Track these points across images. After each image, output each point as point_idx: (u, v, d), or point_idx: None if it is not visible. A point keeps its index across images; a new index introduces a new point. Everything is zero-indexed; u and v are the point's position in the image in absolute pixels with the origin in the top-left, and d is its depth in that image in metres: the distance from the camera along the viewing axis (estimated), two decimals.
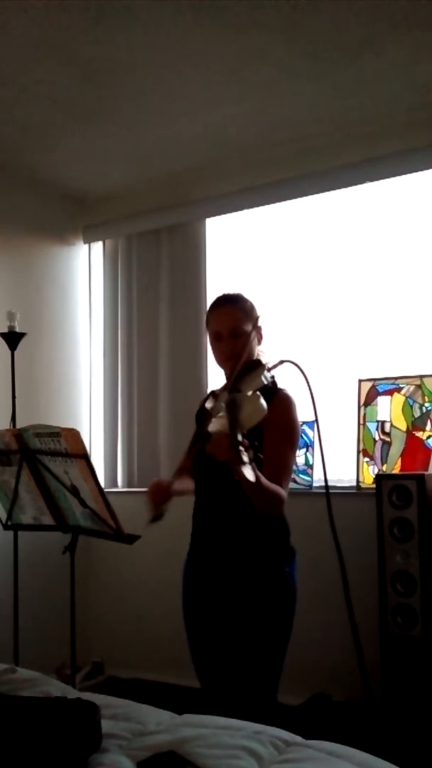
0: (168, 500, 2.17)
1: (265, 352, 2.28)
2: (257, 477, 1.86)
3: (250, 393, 1.96)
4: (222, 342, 2.24)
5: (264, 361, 2.13)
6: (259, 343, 2.28)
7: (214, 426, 1.94)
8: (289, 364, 2.08)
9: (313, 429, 3.56)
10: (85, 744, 1.50)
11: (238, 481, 1.85)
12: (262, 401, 1.94)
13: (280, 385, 2.21)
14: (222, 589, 2.20)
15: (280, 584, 2.18)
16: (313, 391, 2.02)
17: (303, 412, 2.23)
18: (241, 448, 1.77)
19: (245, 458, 1.77)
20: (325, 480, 2.09)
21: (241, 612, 2.16)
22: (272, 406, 2.07)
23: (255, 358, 2.21)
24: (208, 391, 3.86)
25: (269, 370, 2.10)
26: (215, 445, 1.88)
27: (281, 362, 2.10)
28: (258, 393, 1.96)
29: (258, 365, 2.10)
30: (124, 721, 1.72)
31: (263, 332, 2.29)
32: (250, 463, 1.79)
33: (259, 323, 2.27)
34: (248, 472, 1.77)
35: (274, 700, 2.20)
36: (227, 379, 2.24)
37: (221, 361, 2.27)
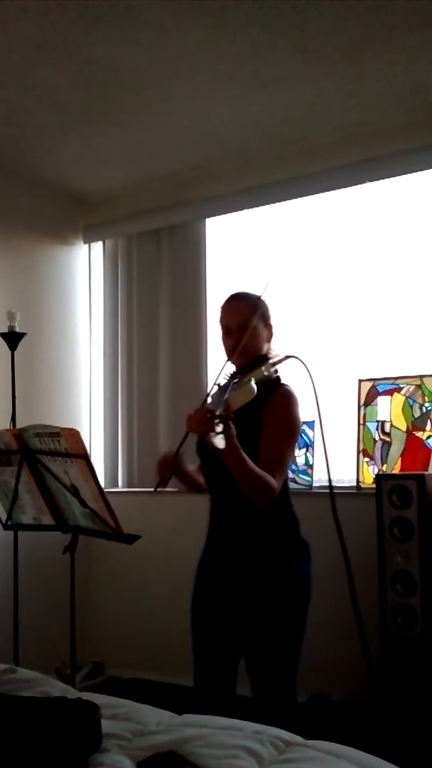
0: (174, 468, 2.20)
1: (275, 350, 2.29)
2: (240, 456, 1.94)
3: (246, 380, 2.01)
4: (231, 335, 2.25)
5: (270, 356, 2.17)
6: (269, 341, 2.29)
7: None
8: (294, 360, 2.12)
9: (313, 429, 3.56)
10: (85, 744, 1.50)
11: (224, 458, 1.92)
12: (253, 385, 2.00)
13: (283, 382, 2.23)
14: (232, 588, 2.20)
15: (290, 582, 2.18)
16: (316, 387, 2.05)
17: (304, 411, 2.24)
18: (217, 420, 1.84)
19: (218, 429, 1.83)
20: (329, 480, 2.10)
21: (251, 612, 2.16)
22: (273, 400, 2.12)
23: (263, 353, 2.23)
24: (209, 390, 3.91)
25: (274, 365, 2.14)
26: (192, 417, 1.95)
27: (286, 357, 2.16)
28: (252, 379, 2.01)
29: (263, 359, 2.15)
30: (124, 721, 1.72)
31: (273, 331, 2.31)
32: (225, 434, 1.86)
33: (270, 322, 2.30)
34: (218, 441, 1.84)
35: (293, 698, 2.19)
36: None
37: (229, 354, 2.27)
